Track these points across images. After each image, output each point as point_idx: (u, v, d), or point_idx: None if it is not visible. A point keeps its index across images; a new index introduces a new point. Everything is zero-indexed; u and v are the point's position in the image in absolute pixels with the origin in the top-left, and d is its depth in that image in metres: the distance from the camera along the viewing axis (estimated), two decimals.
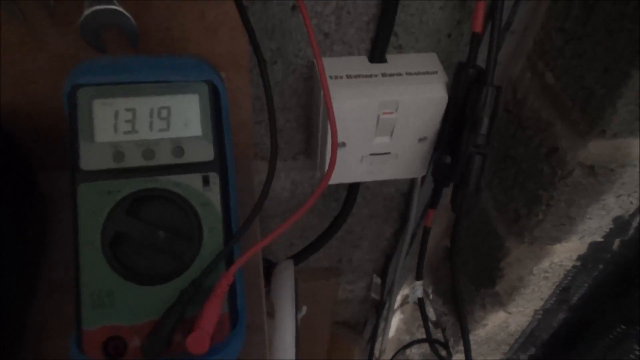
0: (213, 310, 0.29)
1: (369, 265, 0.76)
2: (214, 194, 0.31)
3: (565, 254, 0.53)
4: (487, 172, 0.46)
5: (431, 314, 0.78)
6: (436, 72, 0.44)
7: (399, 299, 0.84)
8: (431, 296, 0.77)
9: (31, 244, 0.39)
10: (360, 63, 0.44)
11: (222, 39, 0.39)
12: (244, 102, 0.44)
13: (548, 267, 0.54)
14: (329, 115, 0.34)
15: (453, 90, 0.42)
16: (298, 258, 0.53)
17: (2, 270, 0.33)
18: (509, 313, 0.62)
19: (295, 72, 0.45)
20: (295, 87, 0.47)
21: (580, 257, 0.54)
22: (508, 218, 0.51)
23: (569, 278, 0.58)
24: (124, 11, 0.32)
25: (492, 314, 0.62)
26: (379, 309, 0.81)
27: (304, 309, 0.43)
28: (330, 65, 0.44)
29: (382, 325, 0.82)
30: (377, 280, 0.77)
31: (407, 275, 0.81)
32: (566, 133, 0.42)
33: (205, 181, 0.31)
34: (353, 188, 0.55)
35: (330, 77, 0.43)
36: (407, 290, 0.85)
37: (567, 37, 0.40)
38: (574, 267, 0.56)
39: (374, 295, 0.79)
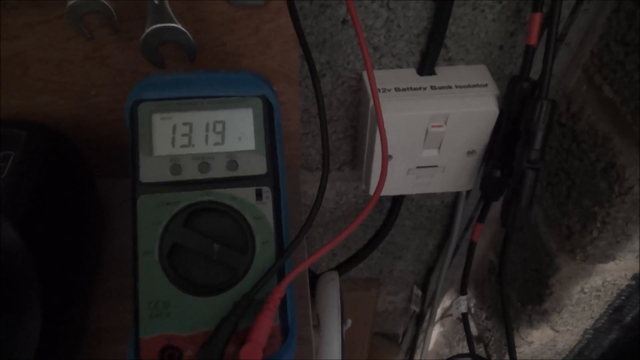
0: (266, 323, 0.29)
1: (410, 276, 0.75)
2: (266, 207, 0.31)
3: (619, 272, 0.51)
4: (538, 186, 0.45)
5: (473, 328, 0.76)
6: (487, 85, 0.43)
7: (439, 311, 0.83)
8: (473, 310, 0.75)
9: (90, 250, 0.40)
10: (409, 76, 0.44)
11: (274, 53, 0.40)
12: (292, 114, 0.45)
13: (600, 286, 0.52)
14: (380, 128, 0.34)
15: (506, 103, 0.42)
16: (341, 269, 0.53)
17: (64, 275, 0.34)
18: (557, 331, 0.60)
19: (343, 84, 0.46)
20: (343, 99, 0.47)
21: (635, 276, 0.52)
22: (560, 234, 0.49)
23: (623, 297, 0.55)
24: (183, 29, 0.33)
25: (539, 331, 0.60)
26: (418, 321, 0.80)
27: (349, 322, 0.43)
28: (379, 78, 0.44)
29: (421, 337, 0.81)
30: (418, 292, 0.76)
31: (448, 287, 0.80)
32: (625, 149, 0.40)
33: (259, 195, 0.32)
34: (397, 200, 0.55)
35: (380, 89, 0.43)
36: (448, 303, 0.84)
37: (629, 49, 0.39)
38: (628, 286, 0.53)
39: (414, 307, 0.78)
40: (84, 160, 0.40)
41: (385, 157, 0.34)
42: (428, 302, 0.75)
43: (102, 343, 0.39)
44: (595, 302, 0.54)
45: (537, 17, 0.38)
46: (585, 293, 0.53)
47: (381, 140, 0.34)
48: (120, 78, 0.41)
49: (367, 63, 0.34)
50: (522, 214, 0.41)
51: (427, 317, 0.74)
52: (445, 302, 0.83)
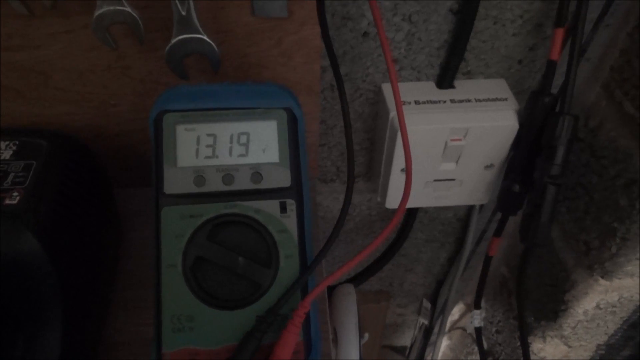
0: (291, 339, 0.28)
1: (420, 289, 0.74)
2: (291, 220, 0.31)
3: (636, 288, 0.50)
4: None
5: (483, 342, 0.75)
6: (506, 99, 0.43)
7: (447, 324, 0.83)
8: (482, 324, 0.75)
9: (108, 261, 0.40)
10: (428, 89, 0.44)
11: (296, 65, 0.40)
12: (312, 126, 0.44)
13: (617, 302, 0.52)
14: (404, 142, 0.34)
15: (526, 117, 0.41)
16: (356, 281, 0.53)
17: (84, 286, 0.34)
18: (570, 347, 0.59)
19: (361, 96, 0.46)
20: (361, 111, 0.47)
21: None
22: (577, 249, 0.49)
23: (638, 314, 0.55)
24: (209, 40, 0.33)
25: (552, 346, 0.59)
26: (426, 334, 0.79)
27: (366, 335, 0.43)
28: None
29: (429, 350, 0.81)
30: (427, 304, 0.75)
31: (456, 300, 0.79)
32: None
33: (283, 208, 0.31)
34: (412, 213, 0.55)
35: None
36: (456, 316, 0.83)
37: None
38: None
39: (423, 319, 0.78)
40: (103, 170, 0.40)
41: (410, 171, 0.34)
42: (437, 315, 0.75)
43: (119, 356, 0.38)
44: (611, 318, 0.54)
45: (560, 33, 0.38)
46: (601, 309, 0.52)
47: (405, 153, 0.34)
48: (141, 88, 0.40)
49: (392, 77, 0.34)
50: (542, 230, 0.41)
51: (437, 329, 0.73)
52: (454, 315, 0.83)
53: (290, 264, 0.31)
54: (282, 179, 0.32)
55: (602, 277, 0.48)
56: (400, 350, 0.89)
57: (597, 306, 0.52)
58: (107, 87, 0.40)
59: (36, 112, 0.41)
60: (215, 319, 0.30)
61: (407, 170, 0.33)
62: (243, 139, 0.32)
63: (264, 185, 0.31)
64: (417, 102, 0.42)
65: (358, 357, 0.37)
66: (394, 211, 0.58)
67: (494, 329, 0.71)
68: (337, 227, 0.32)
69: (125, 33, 0.36)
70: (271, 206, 0.31)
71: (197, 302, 0.30)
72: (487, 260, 0.53)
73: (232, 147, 0.32)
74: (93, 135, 0.42)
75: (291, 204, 0.31)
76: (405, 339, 0.87)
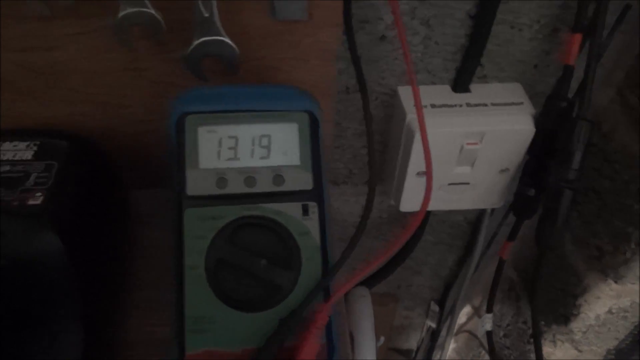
0: (314, 342, 0.28)
1: (427, 292, 0.74)
2: (312, 223, 0.31)
3: None
4: None
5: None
6: (522, 103, 0.43)
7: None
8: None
9: (122, 261, 0.40)
10: (444, 92, 0.44)
11: (312, 67, 0.40)
12: (326, 128, 0.44)
13: (628, 307, 0.52)
14: (424, 145, 0.34)
15: (541, 121, 0.42)
16: (368, 284, 0.53)
17: (101, 287, 0.34)
18: (581, 351, 0.59)
19: (376, 99, 0.46)
20: (375, 114, 0.47)
21: None
22: (589, 254, 0.49)
23: None
24: (231, 42, 0.33)
25: (562, 351, 0.59)
26: (433, 337, 0.79)
27: (382, 339, 0.42)
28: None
29: (436, 353, 0.80)
30: (435, 307, 0.75)
31: (464, 303, 0.79)
32: None
33: (305, 210, 0.31)
34: (422, 217, 0.55)
35: (415, 106, 0.42)
36: (463, 319, 0.83)
37: None
38: None
39: (430, 322, 0.78)
40: (117, 171, 0.40)
41: (430, 174, 0.34)
42: (445, 317, 0.75)
43: (130, 356, 0.38)
44: (622, 322, 0.54)
45: (578, 38, 0.38)
46: (612, 313, 0.52)
47: (425, 157, 0.34)
48: (155, 90, 0.40)
49: (412, 80, 0.34)
50: (558, 234, 0.41)
51: (445, 332, 0.73)
52: (461, 318, 0.82)
53: (312, 266, 0.31)
54: (304, 181, 0.32)
55: (615, 282, 0.48)
56: (406, 353, 0.89)
57: (609, 311, 0.52)
58: (121, 89, 0.40)
59: (51, 113, 0.41)
60: (236, 321, 0.29)
61: (428, 174, 0.33)
62: (264, 141, 0.32)
63: (285, 187, 0.31)
64: (433, 106, 0.43)
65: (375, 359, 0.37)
66: (404, 214, 0.58)
67: (501, 333, 0.71)
68: (359, 231, 0.32)
69: (141, 34, 0.36)
70: (293, 209, 0.31)
71: (219, 304, 0.29)
72: (501, 263, 0.53)
73: (253, 149, 0.32)
74: (104, 137, 0.42)
75: (313, 207, 0.31)
76: (411, 342, 0.87)
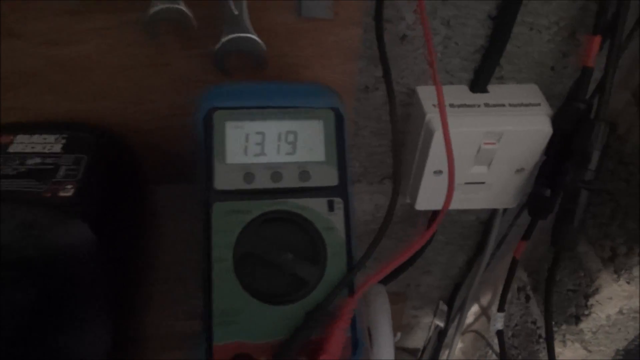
0: (340, 335, 0.29)
1: (436, 291, 0.75)
2: (338, 218, 0.32)
3: None
4: None
5: (495, 345, 0.76)
6: (539, 104, 0.44)
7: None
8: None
9: (143, 256, 0.40)
10: (462, 92, 0.45)
11: (334, 65, 0.40)
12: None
13: (639, 307, 0.52)
14: (447, 144, 0.34)
15: (559, 122, 0.42)
16: (383, 282, 0.53)
17: (127, 279, 0.34)
18: (590, 351, 0.59)
19: (395, 98, 0.46)
20: None
21: None
22: (602, 255, 0.50)
23: None
24: (259, 40, 0.33)
25: (572, 350, 0.60)
26: (440, 336, 0.80)
27: (399, 335, 0.43)
28: (432, 94, 0.44)
29: (444, 352, 0.81)
30: (444, 307, 0.76)
31: (472, 303, 0.80)
32: None
33: (330, 206, 0.32)
34: (436, 215, 0.55)
35: (434, 105, 0.43)
36: (470, 319, 0.84)
37: None
38: None
39: (438, 322, 0.78)
40: (140, 166, 0.41)
41: (452, 173, 0.34)
42: (453, 317, 0.75)
43: (148, 350, 0.38)
44: (632, 323, 0.54)
45: (597, 40, 0.39)
46: (623, 314, 0.53)
47: (448, 156, 0.35)
48: (180, 85, 0.41)
49: (435, 79, 0.35)
50: (574, 234, 0.41)
51: (453, 332, 0.74)
52: (468, 318, 0.83)
53: (337, 261, 0.31)
54: (329, 177, 0.32)
55: (628, 283, 0.48)
56: (413, 352, 0.89)
57: (620, 311, 0.52)
58: (146, 84, 0.40)
59: (75, 106, 0.41)
60: (263, 314, 0.30)
61: (450, 173, 0.34)
62: (290, 137, 0.33)
63: (311, 183, 0.32)
64: (452, 105, 0.43)
65: (393, 357, 0.38)
66: (416, 213, 0.58)
67: (510, 333, 0.72)
68: (382, 228, 0.32)
69: (167, 29, 0.36)
70: (319, 204, 0.32)
71: (247, 296, 0.30)
72: (514, 263, 0.53)
73: (279, 145, 0.32)
74: (126, 131, 0.42)
75: (339, 203, 0.32)
76: (418, 341, 0.87)
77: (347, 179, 0.33)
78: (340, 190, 0.32)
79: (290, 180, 0.32)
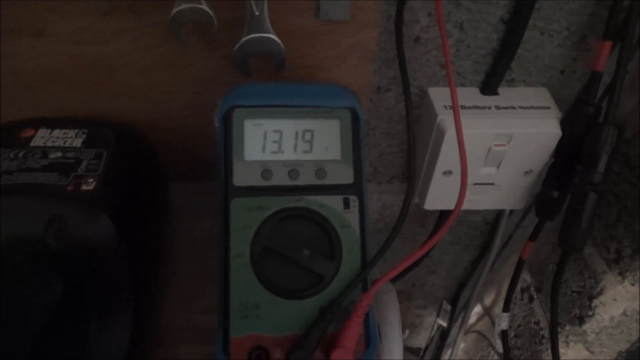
0: (355, 330, 0.30)
1: (440, 291, 0.76)
2: (353, 216, 0.32)
3: None
4: None
5: (498, 345, 0.77)
6: (549, 107, 0.45)
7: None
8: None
9: (162, 250, 0.41)
10: (472, 94, 0.45)
11: (350, 67, 0.41)
12: None
13: None
14: (460, 146, 0.35)
15: (568, 125, 0.43)
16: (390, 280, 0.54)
17: (148, 273, 0.35)
18: (592, 352, 0.60)
19: (411, 100, 0.47)
20: (404, 113, 0.48)
21: None
22: (608, 257, 0.50)
23: None
24: (278, 40, 0.34)
25: (575, 351, 0.60)
26: (443, 336, 0.81)
27: (407, 332, 0.44)
28: (443, 95, 0.45)
29: (446, 352, 0.82)
30: (447, 306, 0.76)
31: (475, 303, 0.80)
32: None
33: (346, 204, 0.32)
34: (445, 214, 0.56)
35: (445, 106, 0.44)
36: (473, 319, 0.84)
37: None
38: None
39: (441, 321, 0.79)
40: (161, 162, 0.41)
41: (465, 173, 0.35)
42: (456, 317, 0.76)
43: (166, 343, 0.39)
44: (635, 325, 0.55)
45: (608, 45, 0.39)
46: (627, 316, 0.53)
47: (461, 157, 0.35)
48: (200, 85, 0.41)
49: (450, 80, 0.35)
50: (582, 235, 0.42)
51: (456, 332, 0.75)
52: (471, 318, 0.84)
53: (352, 258, 0.32)
54: (345, 175, 0.33)
55: (632, 285, 0.49)
56: (415, 351, 0.90)
57: (624, 313, 0.53)
58: (167, 83, 0.41)
59: (97, 104, 0.42)
60: (280, 308, 0.31)
61: (463, 173, 0.35)
62: (307, 136, 0.33)
63: (327, 181, 0.33)
64: (463, 107, 0.44)
65: (402, 354, 0.38)
66: (424, 213, 0.59)
67: (512, 333, 0.72)
68: (396, 227, 0.33)
69: (190, 30, 0.37)
70: (335, 201, 0.32)
71: (264, 291, 0.31)
72: (520, 263, 0.54)
73: (297, 143, 0.33)
74: (148, 129, 0.43)
75: (354, 200, 0.33)
76: (421, 340, 0.88)
77: (363, 177, 0.34)
78: (356, 188, 0.33)
79: (307, 178, 0.33)
